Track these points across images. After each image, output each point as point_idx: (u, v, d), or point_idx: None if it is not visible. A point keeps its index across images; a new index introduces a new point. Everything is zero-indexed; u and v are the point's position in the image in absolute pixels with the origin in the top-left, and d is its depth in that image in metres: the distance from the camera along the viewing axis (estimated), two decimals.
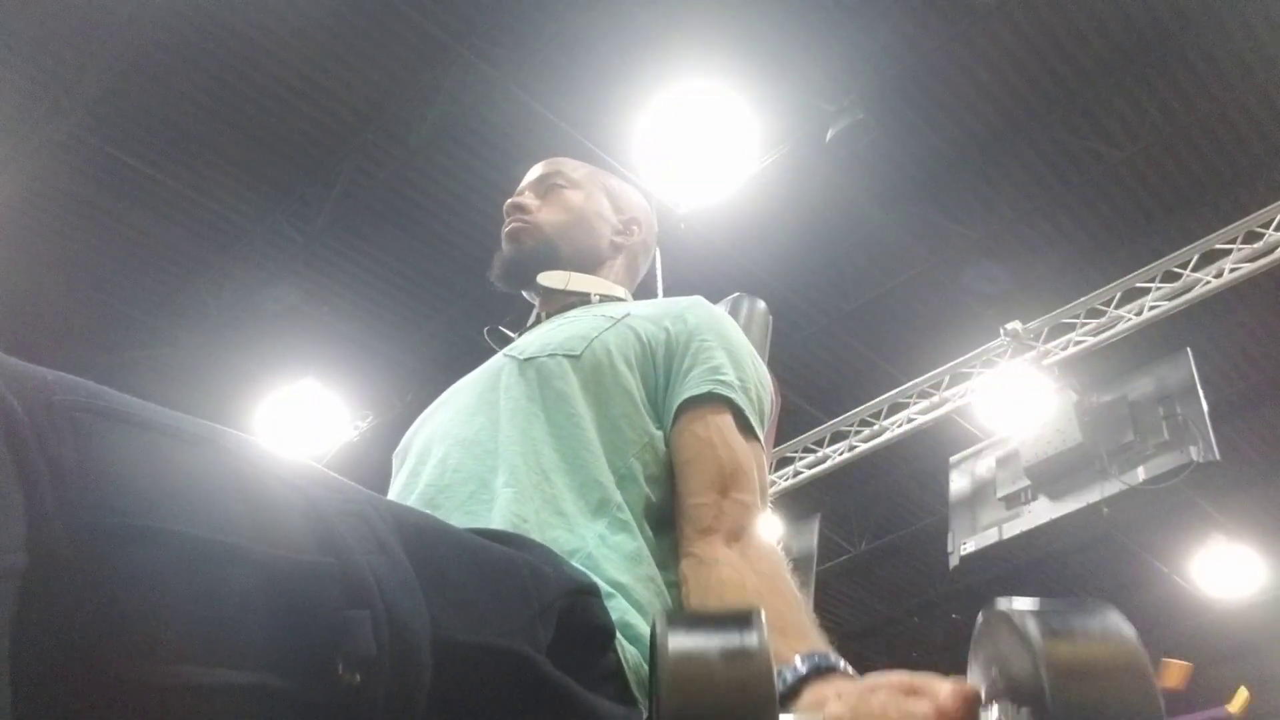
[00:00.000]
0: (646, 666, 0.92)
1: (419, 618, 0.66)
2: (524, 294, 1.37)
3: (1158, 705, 0.60)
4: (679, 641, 0.62)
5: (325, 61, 5.12)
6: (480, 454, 1.05)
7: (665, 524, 1.04)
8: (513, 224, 1.34)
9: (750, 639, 0.63)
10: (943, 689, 0.67)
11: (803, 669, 0.76)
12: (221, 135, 5.41)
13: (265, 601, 0.58)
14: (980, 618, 0.68)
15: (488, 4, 4.90)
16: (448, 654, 0.68)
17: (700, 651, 0.62)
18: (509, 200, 1.37)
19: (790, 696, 0.74)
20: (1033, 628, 0.63)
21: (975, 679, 0.69)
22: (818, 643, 0.87)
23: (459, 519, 0.98)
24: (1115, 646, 0.62)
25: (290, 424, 6.34)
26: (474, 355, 1.27)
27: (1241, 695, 7.57)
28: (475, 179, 5.54)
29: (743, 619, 0.64)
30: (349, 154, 5.49)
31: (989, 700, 0.67)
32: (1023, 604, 0.64)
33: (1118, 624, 0.63)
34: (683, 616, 0.68)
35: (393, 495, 1.12)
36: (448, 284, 6.15)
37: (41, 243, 5.80)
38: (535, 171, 1.41)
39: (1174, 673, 7.52)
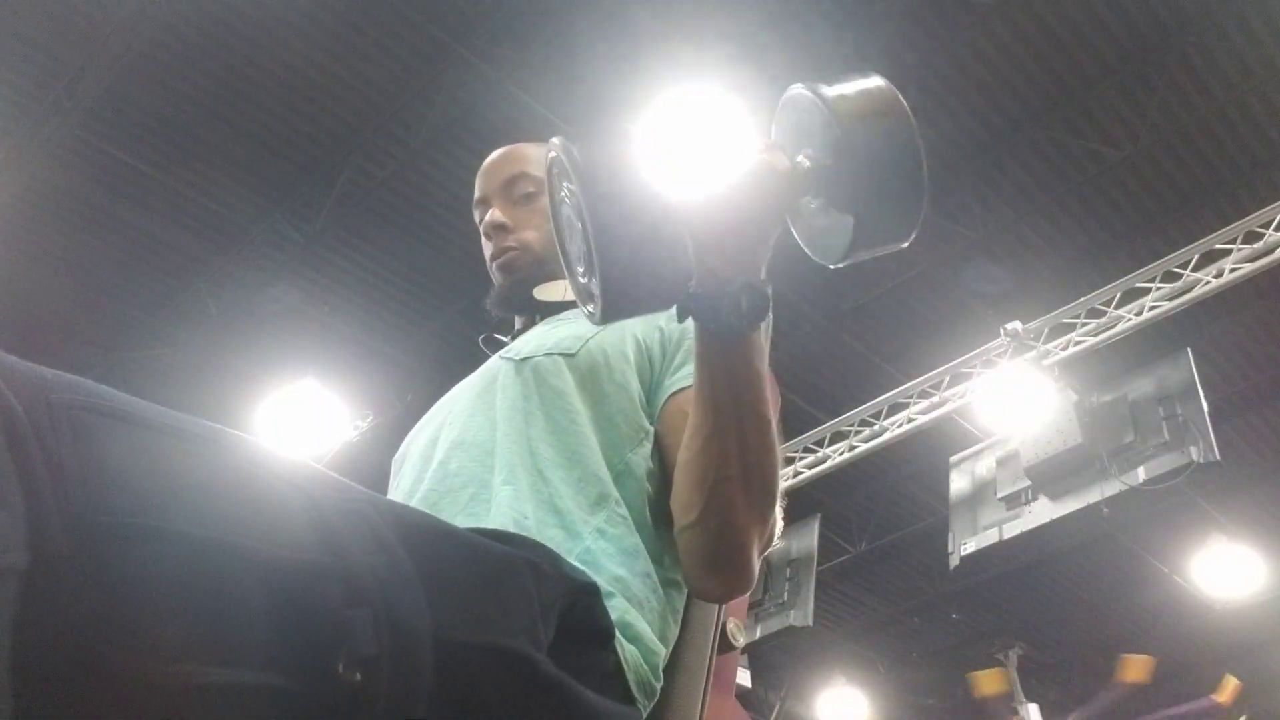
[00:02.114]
0: (646, 666, 0.92)
1: (420, 617, 0.66)
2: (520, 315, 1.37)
3: (911, 123, 0.88)
4: (583, 145, 0.82)
5: (325, 61, 5.12)
6: (479, 455, 1.05)
7: (662, 520, 1.04)
8: (504, 255, 1.30)
9: (633, 138, 0.88)
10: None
11: None
12: (221, 135, 5.41)
13: (266, 600, 0.58)
14: (782, 100, 0.93)
15: (488, 4, 4.90)
16: (449, 653, 0.68)
17: (599, 146, 0.83)
18: (485, 220, 1.33)
19: None
20: (817, 91, 0.87)
21: (781, 142, 0.92)
22: None
23: (461, 522, 0.98)
24: (879, 92, 0.89)
25: (290, 424, 6.34)
26: (474, 355, 1.27)
27: (1230, 684, 7.58)
28: (475, 179, 5.53)
29: (628, 131, 0.85)
30: (349, 154, 5.49)
31: (797, 154, 0.89)
32: (806, 84, 0.89)
33: (877, 79, 0.90)
34: (583, 134, 0.86)
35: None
36: (448, 284, 6.15)
37: (41, 243, 5.80)
38: (500, 170, 1.36)
39: (1136, 666, 7.53)
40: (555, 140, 0.85)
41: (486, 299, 1.33)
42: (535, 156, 1.35)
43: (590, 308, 0.85)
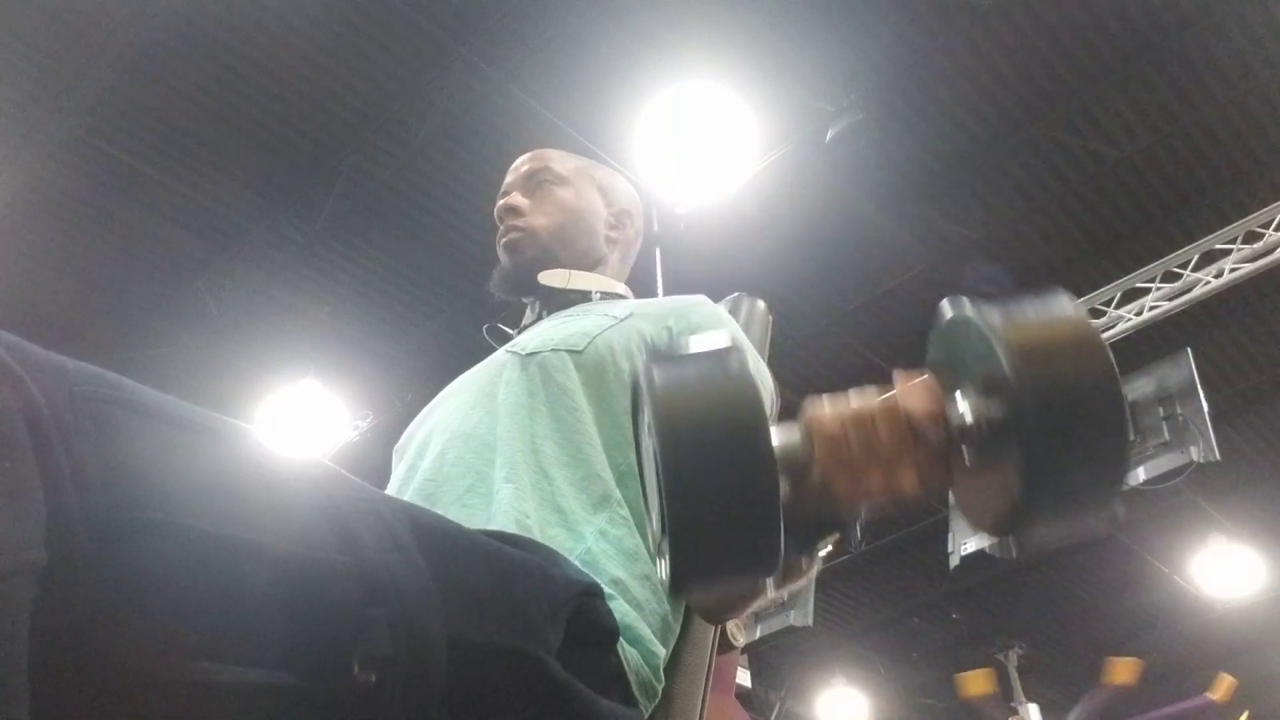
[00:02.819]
0: (648, 668, 0.92)
1: (435, 618, 0.66)
2: (523, 299, 1.37)
3: (1114, 373, 0.65)
4: (665, 370, 0.66)
5: (325, 61, 5.12)
6: (478, 447, 1.05)
7: None
8: (509, 235, 1.32)
9: (731, 359, 0.67)
10: (905, 382, 0.72)
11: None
12: (221, 135, 5.40)
13: (283, 599, 0.58)
14: (937, 321, 0.73)
15: (488, 4, 4.90)
16: (462, 655, 0.68)
17: (684, 375, 0.66)
18: (500, 203, 1.35)
19: None
20: (989, 318, 0.67)
21: (937, 376, 0.74)
22: None
23: (456, 513, 0.98)
24: (1069, 325, 0.67)
25: (290, 424, 6.34)
26: (473, 355, 1.27)
27: (1224, 681, 7.56)
28: (475, 179, 5.54)
29: (723, 350, 0.67)
30: (349, 154, 5.49)
31: (952, 391, 0.70)
32: (975, 302, 0.69)
33: (1067, 305, 0.68)
34: (666, 353, 0.71)
35: (391, 489, 1.12)
36: (448, 284, 6.14)
37: (41, 243, 5.80)
38: (522, 166, 1.38)
39: (1123, 669, 7.51)
40: (641, 356, 0.70)
41: (490, 282, 1.33)
42: (559, 156, 1.39)
43: (661, 575, 0.69)
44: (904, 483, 0.70)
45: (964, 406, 0.69)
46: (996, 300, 0.68)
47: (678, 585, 0.66)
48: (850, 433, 0.70)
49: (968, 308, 0.69)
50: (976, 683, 7.80)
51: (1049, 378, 0.64)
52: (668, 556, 0.65)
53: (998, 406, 0.66)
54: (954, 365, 0.72)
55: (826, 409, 0.73)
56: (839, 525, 0.74)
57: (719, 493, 0.62)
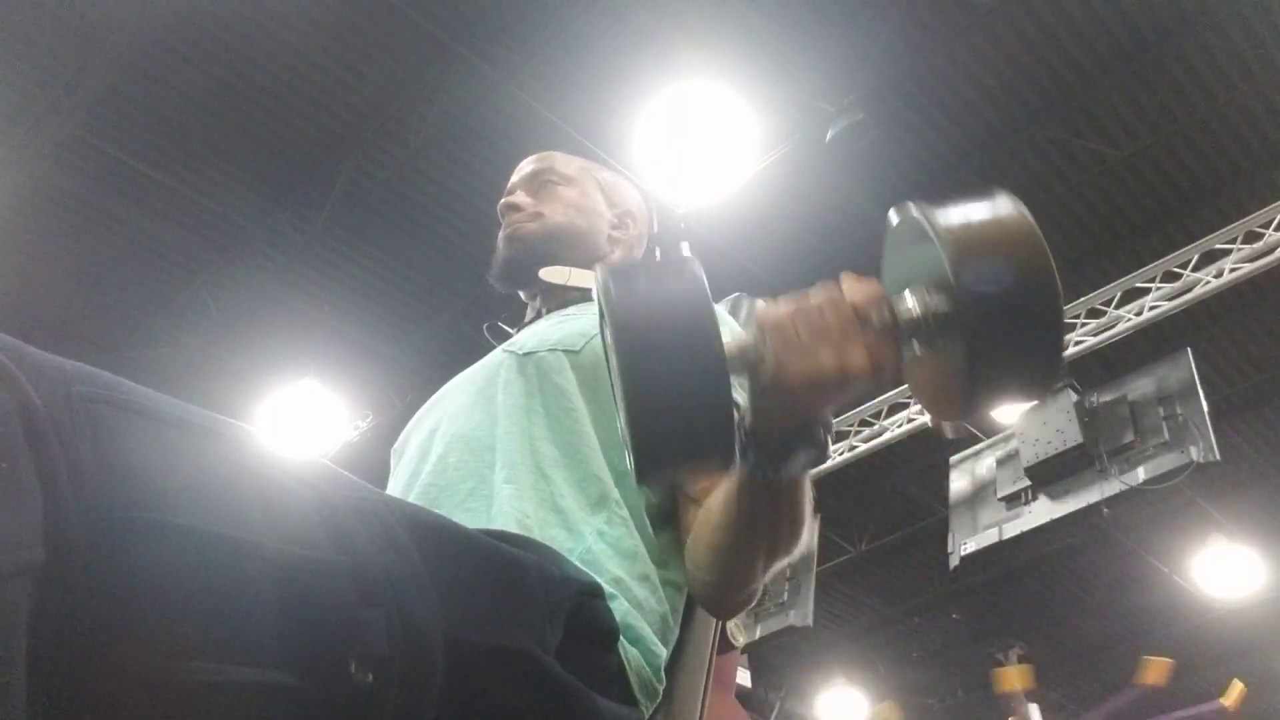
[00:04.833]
0: (648, 668, 0.92)
1: (432, 618, 0.66)
2: (521, 294, 1.37)
3: (1049, 266, 0.69)
4: (621, 279, 0.71)
5: (325, 61, 5.12)
6: (479, 450, 1.05)
7: (662, 522, 1.04)
8: (511, 226, 1.32)
9: (684, 267, 0.71)
10: (848, 279, 0.77)
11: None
12: (221, 135, 5.40)
13: (279, 598, 0.58)
14: (889, 221, 0.78)
15: (488, 4, 4.90)
16: (459, 654, 0.68)
17: (639, 283, 0.71)
18: (503, 201, 1.36)
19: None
20: (931, 218, 0.71)
21: (889, 275, 0.79)
22: None
23: (459, 516, 0.98)
24: (1008, 222, 0.71)
25: (290, 424, 6.34)
26: (473, 355, 1.27)
27: (1236, 688, 7.55)
28: (475, 179, 5.54)
29: (677, 260, 0.73)
30: (349, 154, 5.49)
31: (902, 288, 0.75)
32: (918, 204, 0.73)
33: (1009, 203, 0.71)
34: (623, 265, 0.75)
35: (392, 492, 1.12)
36: (448, 284, 6.15)
37: (41, 243, 5.80)
38: (526, 167, 1.38)
39: (1155, 669, 7.50)
40: (599, 268, 0.73)
41: (489, 273, 1.33)
42: (563, 157, 1.40)
43: (630, 463, 0.73)
44: (855, 363, 0.72)
45: (911, 301, 0.74)
46: (939, 202, 0.72)
47: (640, 473, 0.71)
48: (797, 320, 0.74)
49: (911, 210, 0.74)
50: (1014, 678, 7.77)
51: (989, 271, 0.69)
52: (629, 448, 0.69)
53: (942, 300, 0.71)
54: (902, 264, 0.78)
55: (776, 305, 0.76)
56: (805, 431, 0.77)
57: (671, 383, 0.66)
